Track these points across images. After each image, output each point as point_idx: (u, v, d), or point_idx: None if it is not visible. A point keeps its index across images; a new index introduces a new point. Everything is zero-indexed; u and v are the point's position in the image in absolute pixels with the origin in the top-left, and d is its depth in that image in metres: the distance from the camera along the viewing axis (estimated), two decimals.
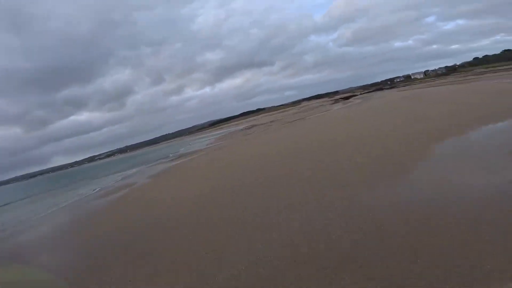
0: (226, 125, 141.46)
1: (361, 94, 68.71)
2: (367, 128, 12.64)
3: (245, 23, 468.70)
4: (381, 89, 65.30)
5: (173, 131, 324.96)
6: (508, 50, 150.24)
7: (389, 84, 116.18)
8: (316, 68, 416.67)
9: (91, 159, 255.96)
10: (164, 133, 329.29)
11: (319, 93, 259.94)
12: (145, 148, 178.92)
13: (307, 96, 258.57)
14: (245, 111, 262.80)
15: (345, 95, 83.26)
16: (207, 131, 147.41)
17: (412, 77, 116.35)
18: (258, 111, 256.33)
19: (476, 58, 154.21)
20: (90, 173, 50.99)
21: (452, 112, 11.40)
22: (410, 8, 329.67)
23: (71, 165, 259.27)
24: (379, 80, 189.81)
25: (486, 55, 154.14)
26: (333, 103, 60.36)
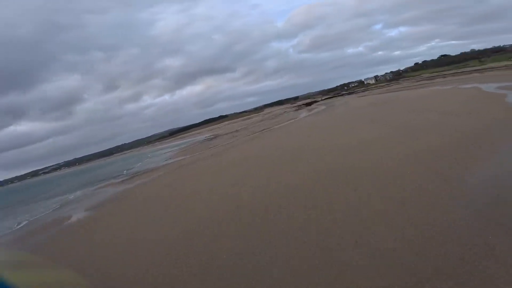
0: (187, 134, 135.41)
1: (322, 100, 70.00)
2: (358, 142, 10.89)
3: (207, 28, 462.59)
4: (341, 94, 67.18)
5: (130, 141, 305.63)
6: (444, 55, 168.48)
7: (346, 89, 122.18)
8: (276, 74, 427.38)
9: (35, 173, 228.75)
10: (120, 143, 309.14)
11: (280, 99, 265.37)
12: (97, 161, 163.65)
13: (269, 102, 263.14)
14: (207, 118, 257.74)
15: (307, 101, 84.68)
16: (166, 140, 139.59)
17: (365, 82, 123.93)
18: (221, 118, 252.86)
19: (416, 64, 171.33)
20: (26, 193, 43.27)
21: (446, 123, 10.23)
22: (360, 16, 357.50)
23: (11, 180, 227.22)
24: (335, 85, 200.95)
25: (425, 61, 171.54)
26: (296, 110, 60.22)
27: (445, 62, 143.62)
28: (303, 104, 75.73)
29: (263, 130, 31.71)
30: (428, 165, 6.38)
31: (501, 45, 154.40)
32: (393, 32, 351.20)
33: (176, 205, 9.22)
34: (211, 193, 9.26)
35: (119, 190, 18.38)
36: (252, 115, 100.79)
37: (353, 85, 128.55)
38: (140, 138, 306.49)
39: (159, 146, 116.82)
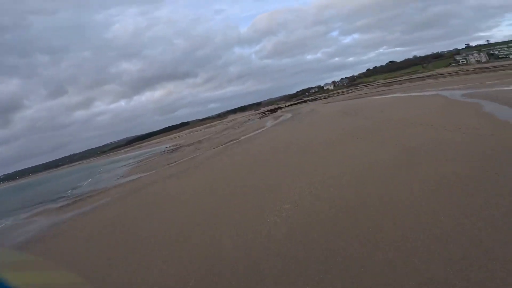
0: (146, 143, 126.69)
1: (286, 106, 69.79)
2: (363, 168, 9.11)
3: (169, 32, 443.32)
4: (304, 101, 67.67)
5: (81, 151, 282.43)
6: (391, 61, 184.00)
7: (307, 95, 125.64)
8: (239, 80, 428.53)
9: None
10: (69, 154, 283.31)
11: (243, 104, 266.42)
12: (41, 174, 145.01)
13: (232, 108, 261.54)
14: (168, 125, 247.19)
15: (271, 108, 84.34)
16: (122, 150, 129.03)
17: (325, 87, 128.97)
18: (182, 125, 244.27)
19: (368, 69, 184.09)
20: None
21: (446, 142, 8.97)
22: (319, 24, 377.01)
23: None
24: (296, 91, 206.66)
25: (375, 67, 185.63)
26: (261, 117, 58.87)
27: (392, 68, 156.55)
28: (267, 111, 74.96)
29: (230, 142, 29.33)
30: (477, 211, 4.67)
31: (440, 52, 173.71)
32: (347, 39, 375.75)
33: (111, 265, 6.37)
34: (164, 246, 6.62)
35: (51, 222, 14.43)
36: (215, 123, 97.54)
37: (313, 91, 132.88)
38: (92, 147, 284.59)
39: (113, 157, 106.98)
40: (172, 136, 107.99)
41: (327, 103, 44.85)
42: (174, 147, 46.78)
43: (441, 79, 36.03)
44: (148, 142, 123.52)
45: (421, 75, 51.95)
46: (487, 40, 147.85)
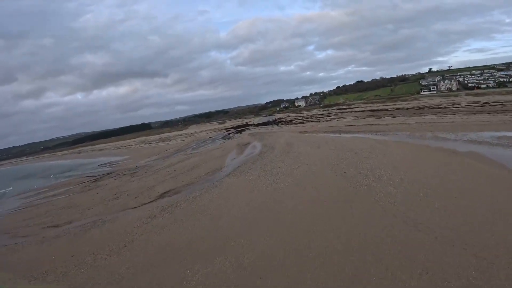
0: (89, 146, 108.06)
1: (255, 126, 60.13)
2: None
3: (144, 28, 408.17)
4: (276, 122, 58.33)
5: (22, 144, 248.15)
6: (360, 81, 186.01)
7: (277, 110, 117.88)
8: (210, 85, 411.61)
9: None
10: (8, 146, 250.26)
11: (212, 110, 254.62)
12: None
13: (199, 113, 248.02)
14: (127, 125, 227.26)
15: (239, 123, 74.32)
16: (59, 153, 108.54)
17: (296, 103, 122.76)
18: (143, 127, 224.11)
19: (338, 87, 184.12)
20: None
21: None
22: (298, 36, 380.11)
23: None
24: (266, 101, 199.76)
25: (345, 85, 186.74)
26: (224, 138, 48.44)
27: (361, 88, 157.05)
28: (233, 128, 64.77)
29: (161, 197, 18.58)
30: None
31: (404, 74, 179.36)
32: (322, 54, 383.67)
33: None
34: None
35: None
36: (173, 133, 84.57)
37: (284, 105, 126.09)
38: (36, 141, 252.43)
39: (46, 161, 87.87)
40: (121, 143, 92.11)
41: (305, 132, 36.01)
42: (109, 165, 34.04)
43: (450, 118, 29.19)
44: (92, 147, 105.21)
45: (408, 103, 46.52)
46: (449, 66, 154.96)
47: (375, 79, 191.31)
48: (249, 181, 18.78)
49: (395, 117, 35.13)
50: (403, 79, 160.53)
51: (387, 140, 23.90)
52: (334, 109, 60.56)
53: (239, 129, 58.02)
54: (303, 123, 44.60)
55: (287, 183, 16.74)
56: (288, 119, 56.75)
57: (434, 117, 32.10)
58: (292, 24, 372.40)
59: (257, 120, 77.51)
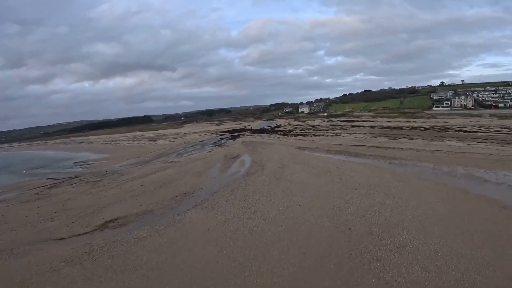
0: (82, 137, 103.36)
1: (252, 133, 54.86)
2: None
3: (158, 21, 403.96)
4: (274, 130, 52.51)
5: (23, 127, 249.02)
6: (368, 90, 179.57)
7: (280, 115, 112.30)
8: (217, 82, 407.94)
9: None
10: (8, 129, 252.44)
11: (215, 107, 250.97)
12: None
13: (202, 109, 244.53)
14: (129, 116, 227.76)
15: (237, 127, 69.17)
16: (50, 142, 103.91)
17: (300, 109, 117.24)
18: (145, 120, 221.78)
19: (345, 95, 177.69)
20: None
21: None
22: (309, 40, 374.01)
23: None
24: (270, 104, 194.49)
25: (352, 93, 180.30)
26: (216, 143, 43.29)
27: (369, 98, 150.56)
28: (230, 131, 59.67)
29: (116, 220, 13.45)
30: None
31: (414, 86, 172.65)
32: (332, 60, 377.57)
33: None
34: None
35: None
36: (165, 132, 79.56)
37: (287, 110, 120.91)
38: (38, 125, 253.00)
39: (33, 149, 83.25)
40: (112, 136, 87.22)
41: (305, 148, 30.74)
42: (52, 182, 29.03)
43: (481, 147, 23.89)
44: (85, 137, 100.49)
45: (425, 121, 41.11)
46: (462, 80, 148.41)
47: (384, 89, 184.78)
48: (218, 224, 13.73)
49: (412, 139, 29.72)
50: (413, 91, 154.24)
51: (408, 175, 18.69)
52: (339, 120, 55.10)
53: (235, 134, 52.81)
54: (303, 135, 39.23)
55: (267, 235, 11.79)
56: (288, 128, 51.40)
57: (461, 144, 26.75)
58: (304, 28, 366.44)
59: (256, 124, 72.28)
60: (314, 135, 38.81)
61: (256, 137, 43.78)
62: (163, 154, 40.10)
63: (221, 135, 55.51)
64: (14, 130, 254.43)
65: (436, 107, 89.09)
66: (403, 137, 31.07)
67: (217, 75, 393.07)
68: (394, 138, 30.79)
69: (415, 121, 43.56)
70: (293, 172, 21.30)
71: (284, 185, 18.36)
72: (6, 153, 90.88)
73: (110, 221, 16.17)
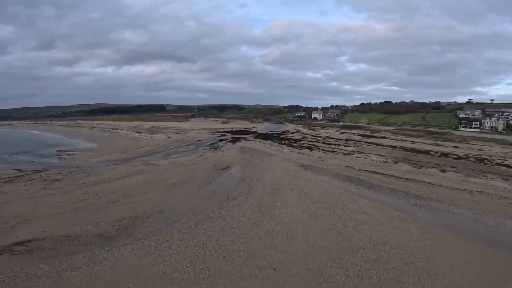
0: (89, 121, 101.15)
1: (255, 135, 49.79)
2: None
3: (185, 13, 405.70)
4: (281, 138, 47.10)
5: (43, 105, 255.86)
6: (388, 101, 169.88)
7: (291, 119, 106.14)
8: (235, 78, 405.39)
9: None
10: (30, 106, 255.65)
11: (230, 103, 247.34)
12: None
13: (216, 104, 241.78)
14: (146, 104, 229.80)
15: (240, 127, 64.16)
16: (57, 123, 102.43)
17: (313, 115, 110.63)
18: (159, 108, 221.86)
19: (362, 104, 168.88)
20: None
21: None
22: (333, 44, 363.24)
23: None
24: (284, 105, 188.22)
25: (370, 103, 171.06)
26: (213, 145, 38.56)
27: (388, 109, 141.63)
28: (231, 132, 54.84)
29: (30, 241, 8.75)
30: None
31: (439, 102, 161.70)
32: (354, 67, 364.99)
33: None
34: None
35: None
36: (168, 125, 75.65)
37: (299, 114, 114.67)
38: (58, 105, 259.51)
39: (38, 130, 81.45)
40: (116, 123, 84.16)
41: (309, 167, 25.43)
42: (13, 174, 25.11)
43: None
44: (91, 122, 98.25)
45: (456, 145, 34.72)
46: (492, 99, 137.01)
47: (404, 102, 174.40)
48: (147, 281, 9.00)
49: (444, 171, 23.86)
50: (437, 106, 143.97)
51: (441, 231, 13.30)
52: (354, 134, 48.95)
53: (236, 136, 47.94)
54: (310, 149, 33.74)
55: None
56: (296, 136, 45.90)
57: (506, 185, 20.81)
58: (330, 31, 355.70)
59: (263, 127, 67.02)
60: (323, 150, 33.24)
61: (258, 144, 38.70)
62: (150, 152, 35.72)
63: (222, 135, 50.78)
64: (34, 107, 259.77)
65: (463, 127, 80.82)
66: (432, 167, 25.18)
67: (235, 71, 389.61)
68: (421, 167, 24.92)
69: (445, 145, 37.05)
70: (285, 203, 16.17)
71: (266, 227, 13.29)
72: (8, 131, 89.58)
73: (21, 242, 12.21)
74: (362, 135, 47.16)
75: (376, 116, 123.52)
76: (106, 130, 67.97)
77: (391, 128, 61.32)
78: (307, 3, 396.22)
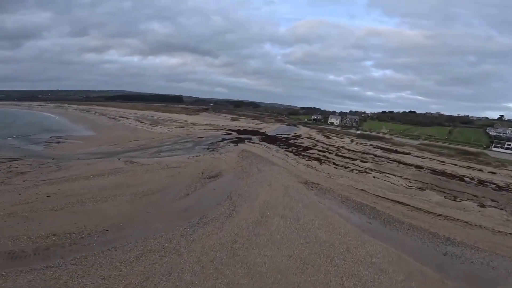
0: (102, 107, 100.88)
1: (263, 137, 45.75)
2: None
3: (211, 7, 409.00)
4: (289, 144, 42.62)
5: (70, 89, 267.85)
6: (412, 111, 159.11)
7: (305, 122, 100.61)
8: (254, 75, 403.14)
9: None
10: (58, 88, 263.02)
11: (247, 99, 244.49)
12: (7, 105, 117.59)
13: (233, 99, 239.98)
14: (164, 94, 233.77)
15: (249, 127, 60.16)
16: (73, 107, 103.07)
17: (330, 120, 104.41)
18: (176, 99, 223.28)
19: (384, 112, 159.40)
20: None
21: None
22: (359, 48, 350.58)
23: None
24: (301, 106, 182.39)
25: (392, 111, 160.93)
26: (212, 144, 34.99)
27: (412, 120, 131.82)
28: (237, 131, 51.05)
29: None
30: None
31: (469, 116, 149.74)
32: (379, 73, 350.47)
33: None
34: None
35: None
36: (174, 117, 73.05)
37: (316, 117, 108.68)
38: (84, 89, 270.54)
39: (51, 112, 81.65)
40: (127, 111, 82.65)
41: (314, 185, 21.13)
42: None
43: None
44: (104, 108, 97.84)
45: (493, 171, 29.10)
46: None
47: (430, 113, 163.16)
48: None
49: (483, 206, 18.80)
50: (466, 121, 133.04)
51: None
52: (373, 146, 43.47)
53: (242, 136, 44.10)
54: (320, 161, 29.15)
55: None
56: (306, 143, 41.10)
57: None
58: (357, 35, 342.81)
59: (273, 128, 62.64)
60: (334, 163, 28.59)
61: (262, 148, 34.66)
62: (142, 147, 32.60)
63: (227, 133, 47.13)
64: (62, 90, 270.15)
65: (495, 147, 72.78)
66: (468, 199, 20.11)
67: (255, 68, 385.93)
68: (454, 198, 19.91)
69: (480, 169, 31.37)
70: (270, 240, 12.10)
71: (230, 278, 9.32)
72: (22, 111, 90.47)
73: None
74: (382, 148, 41.76)
75: (397, 126, 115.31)
76: (113, 118, 66.17)
77: (415, 142, 55.08)
78: (335, 4, 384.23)
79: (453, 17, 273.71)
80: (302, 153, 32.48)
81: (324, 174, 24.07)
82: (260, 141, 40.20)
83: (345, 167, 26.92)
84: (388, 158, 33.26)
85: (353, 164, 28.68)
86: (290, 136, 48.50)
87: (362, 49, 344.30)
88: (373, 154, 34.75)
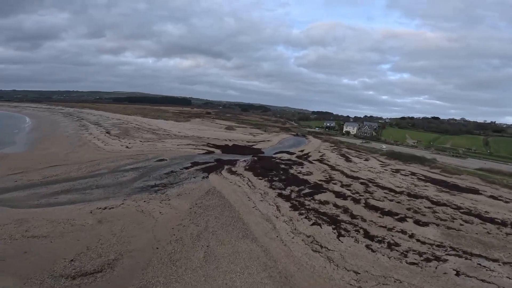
0: (101, 111, 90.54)
1: (248, 163, 32.49)
2: None
3: (225, 9, 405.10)
4: (288, 172, 28.64)
5: (85, 90, 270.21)
6: (436, 118, 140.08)
7: (318, 130, 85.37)
8: (267, 78, 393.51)
9: None
10: (74, 89, 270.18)
11: (258, 102, 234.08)
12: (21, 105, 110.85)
13: (244, 102, 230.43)
14: (174, 95, 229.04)
15: (242, 138, 46.57)
16: (85, 110, 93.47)
17: (345, 128, 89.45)
18: (185, 102, 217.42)
19: (403, 118, 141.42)
20: None
21: None
22: (376, 51, 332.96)
23: None
24: (313, 111, 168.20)
25: (413, 117, 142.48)
26: (169, 176, 22.20)
27: (437, 128, 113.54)
28: (224, 147, 38.04)
29: None
30: None
31: (496, 123, 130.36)
32: (396, 76, 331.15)
33: None
34: None
35: None
36: (162, 126, 60.74)
37: (329, 124, 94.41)
38: (100, 90, 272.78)
39: (51, 113, 72.00)
40: (124, 117, 71.41)
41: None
42: None
43: None
44: (97, 110, 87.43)
45: None
46: None
47: (453, 119, 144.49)
48: None
49: None
50: (497, 129, 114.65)
51: None
52: (417, 177, 28.79)
53: (226, 156, 31.05)
54: (337, 224, 15.21)
55: None
56: (314, 174, 26.78)
57: None
58: (375, 37, 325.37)
59: (275, 141, 49.13)
60: (366, 233, 14.89)
61: (242, 187, 21.54)
62: (52, 179, 20.23)
63: (207, 152, 34.31)
64: (77, 91, 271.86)
65: None
66: None
67: (268, 71, 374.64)
68: None
69: None
70: None
71: None
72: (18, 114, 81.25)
73: None
74: (432, 182, 27.42)
75: (423, 135, 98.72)
76: (82, 126, 54.38)
77: (470, 166, 40.08)
78: (352, 6, 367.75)
79: (478, 19, 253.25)
80: (306, 201, 18.94)
81: (350, 274, 10.55)
82: (245, 169, 26.91)
83: (391, 245, 13.20)
84: (457, 207, 19.04)
85: (403, 233, 14.78)
86: (293, 158, 34.75)
87: (379, 52, 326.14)
88: (427, 199, 20.66)
